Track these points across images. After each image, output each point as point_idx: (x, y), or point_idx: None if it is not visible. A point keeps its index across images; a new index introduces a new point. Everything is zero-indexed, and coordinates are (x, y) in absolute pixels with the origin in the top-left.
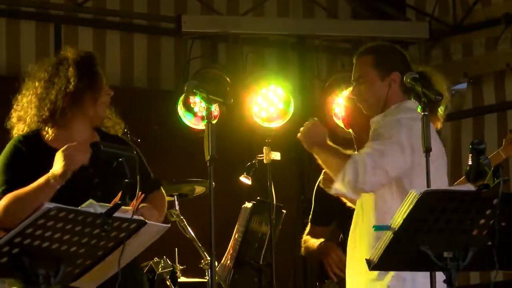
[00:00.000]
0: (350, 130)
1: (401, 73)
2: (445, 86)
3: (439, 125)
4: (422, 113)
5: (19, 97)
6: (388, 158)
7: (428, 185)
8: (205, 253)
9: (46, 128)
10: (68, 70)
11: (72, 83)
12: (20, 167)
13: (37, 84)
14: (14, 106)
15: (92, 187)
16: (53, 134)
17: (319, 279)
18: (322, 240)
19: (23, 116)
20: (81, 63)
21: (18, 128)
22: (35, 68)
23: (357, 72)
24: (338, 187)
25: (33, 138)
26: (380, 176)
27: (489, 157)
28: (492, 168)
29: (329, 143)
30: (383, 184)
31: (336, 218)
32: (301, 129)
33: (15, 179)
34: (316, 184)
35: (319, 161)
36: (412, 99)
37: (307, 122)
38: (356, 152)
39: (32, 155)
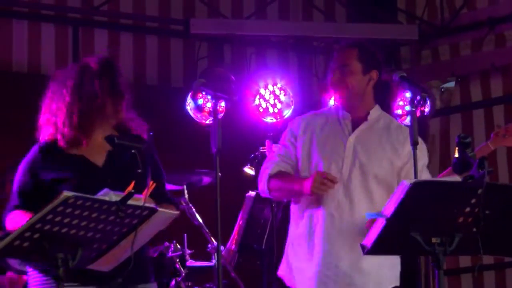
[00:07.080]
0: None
1: (379, 73)
2: None
3: None
4: (411, 109)
5: (48, 100)
6: None
7: (416, 176)
8: (212, 238)
9: (68, 134)
10: (94, 82)
11: (100, 97)
12: (38, 173)
13: (64, 91)
14: (43, 108)
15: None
16: (70, 140)
17: None
18: None
19: (51, 119)
20: (105, 75)
21: (47, 129)
22: (60, 73)
23: (342, 61)
24: None
25: (51, 145)
26: None
27: (478, 148)
28: (478, 160)
29: None
30: None
31: None
32: None
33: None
34: None
35: None
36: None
37: None
38: None
39: (49, 161)
